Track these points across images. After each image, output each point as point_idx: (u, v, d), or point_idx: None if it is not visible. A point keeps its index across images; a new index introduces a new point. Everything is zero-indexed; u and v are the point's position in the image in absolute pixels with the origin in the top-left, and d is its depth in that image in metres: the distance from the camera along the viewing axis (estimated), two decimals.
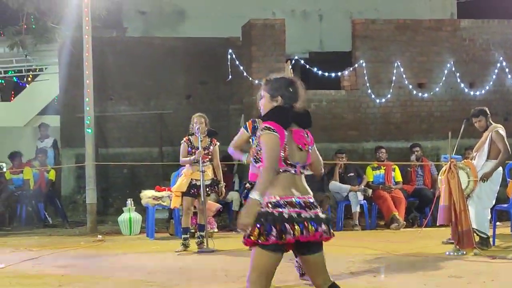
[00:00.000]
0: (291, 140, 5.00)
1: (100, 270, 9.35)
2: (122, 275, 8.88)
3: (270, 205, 4.82)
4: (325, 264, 5.03)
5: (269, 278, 4.89)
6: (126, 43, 16.84)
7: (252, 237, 4.77)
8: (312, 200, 4.96)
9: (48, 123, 16.80)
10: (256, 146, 5.04)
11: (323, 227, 4.86)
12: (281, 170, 4.92)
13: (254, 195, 4.80)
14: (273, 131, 4.90)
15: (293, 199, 4.87)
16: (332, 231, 4.97)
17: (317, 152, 5.30)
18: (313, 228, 4.81)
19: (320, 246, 4.96)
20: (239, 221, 4.82)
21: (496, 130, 10.67)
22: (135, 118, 16.49)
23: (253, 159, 5.12)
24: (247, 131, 8.72)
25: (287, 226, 4.74)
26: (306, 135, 5.13)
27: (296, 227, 4.75)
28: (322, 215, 4.92)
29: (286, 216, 4.77)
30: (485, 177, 10.47)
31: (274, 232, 4.72)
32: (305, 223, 4.78)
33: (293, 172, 4.97)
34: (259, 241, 4.75)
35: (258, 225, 4.77)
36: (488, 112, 10.88)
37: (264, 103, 5.19)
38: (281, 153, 4.91)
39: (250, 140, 8.60)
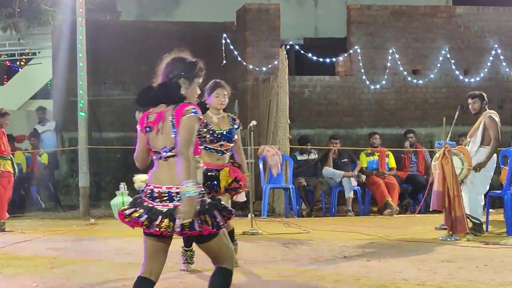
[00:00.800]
0: (154, 121, 4.78)
1: (92, 253, 9.31)
2: (114, 258, 8.84)
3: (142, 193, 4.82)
4: (212, 254, 4.88)
5: (148, 260, 4.93)
6: (120, 27, 16.76)
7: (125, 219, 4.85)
8: (172, 190, 4.65)
9: (44, 107, 16.68)
10: None
11: (158, 221, 4.61)
12: (152, 158, 4.83)
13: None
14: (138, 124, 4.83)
15: (149, 187, 4.74)
16: (182, 227, 4.56)
17: (182, 128, 4.66)
18: (147, 222, 4.66)
19: (201, 238, 4.73)
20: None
21: (489, 115, 10.65)
22: (129, 102, 16.36)
23: None
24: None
25: (144, 216, 4.68)
26: (169, 114, 4.72)
27: (144, 217, 4.66)
28: (164, 209, 4.64)
29: (140, 203, 4.76)
30: (479, 167, 10.45)
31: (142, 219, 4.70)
32: (145, 214, 4.66)
33: (158, 158, 4.77)
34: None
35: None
36: (485, 97, 10.85)
37: None
38: (146, 142, 4.82)
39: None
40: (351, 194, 13.84)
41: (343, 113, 16.12)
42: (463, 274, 7.55)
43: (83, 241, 10.42)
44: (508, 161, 11.37)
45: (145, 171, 14.00)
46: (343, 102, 16.12)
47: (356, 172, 14.03)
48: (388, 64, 16.08)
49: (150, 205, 4.67)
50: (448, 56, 16.29)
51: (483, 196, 10.72)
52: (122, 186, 13.50)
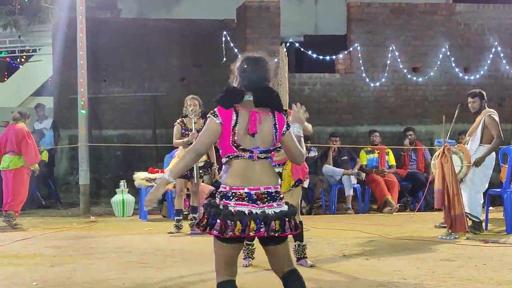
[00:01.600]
0: (246, 123, 4.67)
1: (92, 251, 9.34)
2: (114, 256, 8.87)
3: (218, 195, 4.65)
4: (285, 255, 4.80)
5: (231, 265, 4.76)
6: (120, 25, 16.74)
7: (200, 227, 4.62)
8: (271, 190, 4.65)
9: (44, 104, 16.66)
10: None
11: (272, 225, 4.54)
12: (231, 156, 4.67)
13: (165, 174, 4.73)
14: (214, 115, 4.68)
15: (243, 190, 4.59)
16: (293, 224, 4.63)
17: (294, 140, 4.86)
18: (255, 226, 4.51)
19: (280, 239, 4.69)
20: (145, 198, 4.77)
21: (489, 114, 10.66)
22: (129, 100, 16.42)
23: None
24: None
25: (229, 222, 4.50)
26: (268, 117, 4.73)
27: (238, 224, 4.49)
28: (276, 210, 4.61)
29: (231, 210, 4.53)
30: (478, 163, 10.46)
31: (217, 225, 4.52)
32: (248, 221, 4.50)
33: (248, 157, 4.66)
34: (206, 231, 4.59)
35: (206, 215, 4.61)
36: (485, 96, 10.86)
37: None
38: (230, 138, 4.64)
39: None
40: (351, 192, 13.86)
41: (343, 110, 16.13)
42: (462, 273, 7.57)
43: (84, 239, 10.44)
44: (508, 159, 11.38)
45: (144, 168, 13.98)
46: (343, 99, 16.13)
47: (356, 170, 14.06)
48: (388, 62, 16.08)
49: (255, 209, 4.56)
50: (448, 53, 16.29)
51: (482, 194, 10.73)
52: (122, 183, 13.55)
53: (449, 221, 9.97)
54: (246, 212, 4.53)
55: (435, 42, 16.35)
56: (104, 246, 9.71)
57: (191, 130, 10.72)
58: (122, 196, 13.40)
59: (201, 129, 10.67)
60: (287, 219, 4.63)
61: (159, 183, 4.73)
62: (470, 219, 10.37)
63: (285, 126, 4.77)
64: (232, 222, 4.49)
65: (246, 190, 4.59)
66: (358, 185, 14.03)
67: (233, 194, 4.58)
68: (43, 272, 7.81)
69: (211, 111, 4.72)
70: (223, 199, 4.60)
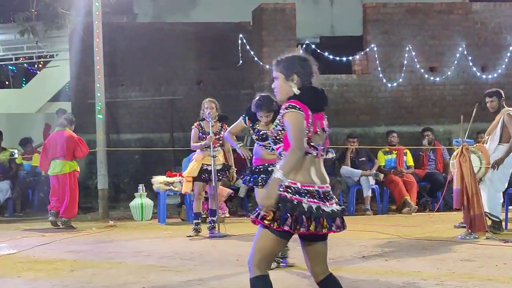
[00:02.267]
0: (313, 121, 4.71)
1: (112, 255, 9.36)
2: (134, 260, 8.89)
3: (289, 191, 4.56)
4: (326, 254, 4.86)
5: (271, 261, 4.85)
6: (137, 29, 16.81)
7: (266, 221, 4.55)
8: (329, 189, 4.74)
9: (65, 109, 16.69)
10: (276, 126, 4.78)
11: (337, 222, 4.65)
12: (308, 152, 4.70)
13: (278, 174, 4.58)
14: (298, 109, 4.63)
15: (314, 188, 4.62)
16: (345, 223, 4.75)
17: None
18: (328, 225, 4.58)
19: (325, 236, 4.75)
20: (262, 203, 4.60)
21: (508, 113, 10.60)
22: (146, 104, 16.48)
23: (271, 140, 4.85)
24: (245, 123, 8.72)
25: (303, 218, 4.51)
26: (324, 117, 4.89)
27: (312, 221, 4.53)
28: (338, 208, 4.71)
29: (305, 206, 4.53)
30: (496, 164, 10.41)
31: (289, 221, 4.50)
32: (321, 219, 4.56)
33: (315, 154, 4.72)
34: (272, 225, 4.54)
35: (274, 210, 4.55)
36: (502, 94, 10.81)
37: (280, 85, 4.87)
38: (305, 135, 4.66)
39: (250, 130, 8.64)
40: (369, 193, 13.83)
41: (360, 111, 16.09)
42: (482, 273, 7.53)
43: (103, 243, 10.47)
44: None
45: (162, 172, 13.98)
46: (360, 100, 16.10)
47: (374, 171, 14.02)
48: (405, 62, 16.03)
49: (325, 207, 4.62)
50: (465, 53, 16.22)
51: (502, 194, 10.68)
52: (141, 187, 13.57)
53: (469, 221, 9.93)
54: (320, 209, 4.57)
55: (452, 42, 16.28)
56: (123, 250, 9.73)
57: (208, 133, 10.72)
58: (140, 200, 13.44)
59: (218, 132, 10.70)
60: (343, 216, 4.77)
61: (271, 183, 4.60)
62: (489, 218, 10.32)
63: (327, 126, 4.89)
64: (307, 219, 4.51)
65: (316, 188, 4.64)
66: (377, 186, 14.00)
67: (306, 191, 4.59)
68: (63, 277, 7.84)
69: (289, 105, 4.67)
70: (296, 195, 4.57)
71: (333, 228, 4.60)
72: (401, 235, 10.51)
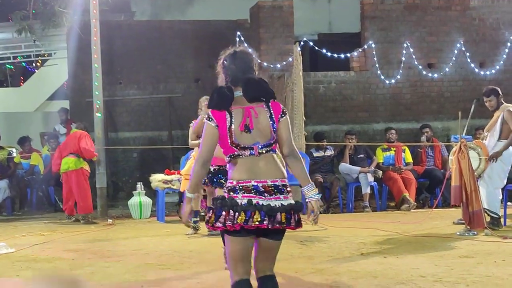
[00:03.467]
0: (241, 120, 4.66)
1: (110, 253, 9.35)
2: (133, 259, 8.88)
3: (226, 190, 4.65)
4: (273, 253, 4.78)
5: (243, 263, 4.70)
6: (134, 27, 16.79)
7: (209, 222, 4.64)
8: (278, 183, 4.64)
9: (67, 108, 16.64)
10: None
11: (278, 217, 4.54)
12: (232, 155, 4.68)
13: (186, 192, 4.76)
14: (209, 120, 4.66)
15: (250, 183, 4.59)
16: (296, 219, 4.64)
17: (288, 128, 4.78)
18: (260, 218, 4.49)
19: (278, 235, 4.71)
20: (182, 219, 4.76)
21: (508, 109, 10.59)
22: (144, 102, 16.46)
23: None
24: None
25: (232, 212, 4.51)
26: (263, 110, 4.72)
27: (242, 214, 4.50)
28: (279, 202, 4.59)
29: (238, 202, 4.54)
30: (494, 157, 10.40)
31: (222, 217, 4.54)
32: (252, 212, 4.50)
33: (248, 154, 4.65)
34: (210, 226, 4.63)
35: (213, 209, 4.64)
36: (499, 91, 10.80)
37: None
38: (227, 139, 4.64)
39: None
40: (368, 190, 13.81)
41: (358, 108, 16.09)
42: (480, 269, 7.53)
43: (101, 242, 10.46)
44: None
45: (161, 170, 13.97)
46: (358, 97, 16.09)
47: (372, 168, 14.01)
48: (403, 59, 16.03)
49: (262, 201, 4.54)
50: (463, 49, 16.22)
51: (500, 190, 10.68)
52: (139, 185, 13.56)
53: (467, 217, 9.93)
54: (253, 202, 4.52)
55: (450, 38, 16.28)
56: (122, 249, 9.72)
57: None
58: (139, 199, 13.42)
59: None
60: (293, 212, 4.63)
61: (185, 202, 4.83)
62: (488, 215, 10.32)
63: (281, 113, 4.75)
64: (236, 213, 4.50)
65: (253, 183, 4.59)
66: (375, 183, 13.99)
67: (241, 187, 4.59)
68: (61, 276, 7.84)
69: (206, 115, 4.70)
70: (231, 193, 4.60)
71: (265, 223, 4.50)
72: (400, 231, 10.51)
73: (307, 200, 4.77)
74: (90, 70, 14.17)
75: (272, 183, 4.62)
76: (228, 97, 4.69)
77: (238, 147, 4.65)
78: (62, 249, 9.74)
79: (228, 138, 4.64)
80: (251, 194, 4.56)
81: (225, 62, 4.88)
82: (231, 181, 4.64)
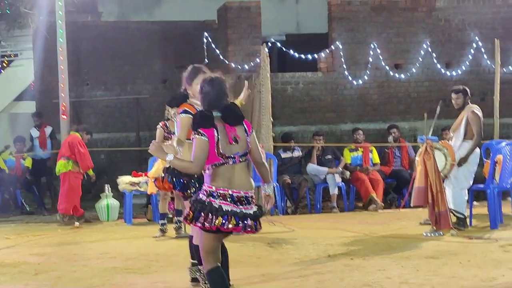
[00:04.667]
0: (225, 135, 5.51)
1: (77, 257, 9.30)
2: (99, 262, 8.84)
3: (205, 193, 5.47)
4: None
5: (214, 254, 5.60)
6: (101, 28, 16.71)
7: (187, 219, 5.51)
8: (248, 195, 5.54)
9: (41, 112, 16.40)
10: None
11: (248, 221, 5.47)
12: (217, 163, 5.47)
13: (170, 157, 5.53)
14: (200, 135, 5.44)
15: (227, 192, 5.46)
16: (259, 225, 5.60)
17: (256, 141, 5.76)
18: (235, 222, 5.42)
19: (230, 233, 5.62)
20: (151, 151, 5.65)
21: (472, 110, 10.69)
22: (112, 103, 16.38)
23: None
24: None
25: (210, 216, 5.39)
26: (240, 126, 5.61)
27: (219, 218, 5.38)
28: (249, 211, 5.51)
29: (216, 206, 5.41)
30: (461, 162, 10.49)
31: (201, 218, 5.41)
32: (229, 216, 5.40)
33: (232, 163, 5.50)
34: (189, 223, 5.54)
35: (192, 209, 5.48)
36: (468, 92, 10.89)
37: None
38: (215, 150, 5.44)
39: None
40: (336, 191, 13.83)
41: (326, 109, 16.12)
42: (446, 270, 7.60)
43: (68, 246, 10.39)
44: (491, 154, 11.43)
45: (129, 172, 13.89)
46: (326, 98, 16.13)
47: (340, 169, 14.05)
48: (370, 59, 16.09)
49: (236, 209, 5.46)
50: (430, 49, 16.32)
51: (467, 191, 10.76)
52: (107, 188, 13.49)
53: (434, 218, 10.00)
54: (229, 209, 5.42)
55: (416, 39, 16.38)
56: (89, 252, 9.67)
57: (173, 133, 10.63)
58: (106, 201, 13.35)
59: None
60: (257, 219, 5.59)
61: (165, 150, 5.67)
62: (454, 215, 10.40)
63: (251, 129, 5.71)
64: (214, 216, 5.38)
65: (230, 192, 5.46)
66: (343, 183, 14.02)
67: (219, 194, 5.45)
68: (27, 281, 7.78)
69: (195, 131, 5.46)
70: (209, 197, 5.44)
71: (240, 225, 5.45)
72: (367, 233, 10.56)
73: (263, 192, 5.82)
74: (56, 71, 14.09)
75: (244, 195, 5.52)
76: (211, 117, 5.52)
77: (224, 157, 5.46)
78: (28, 253, 9.67)
79: (215, 149, 5.44)
80: (227, 202, 5.44)
81: (203, 88, 5.68)
82: (211, 186, 5.47)
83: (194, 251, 6.76)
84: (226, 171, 5.49)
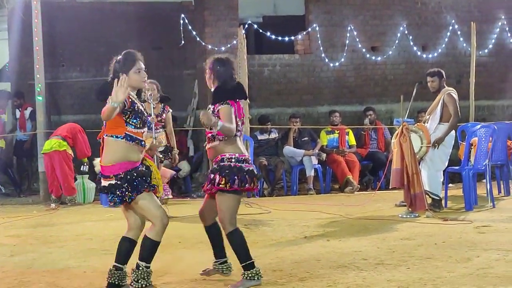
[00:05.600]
0: (236, 111, 6.34)
1: (53, 239, 9.26)
2: (75, 244, 8.82)
3: (232, 160, 6.26)
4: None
5: (236, 216, 6.40)
6: (77, 8, 16.54)
7: (221, 185, 6.17)
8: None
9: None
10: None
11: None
12: (236, 134, 6.32)
13: (219, 123, 6.14)
14: (229, 104, 6.28)
15: (246, 156, 6.37)
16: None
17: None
18: (256, 182, 6.39)
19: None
20: (206, 122, 6.12)
21: (448, 92, 10.75)
22: (88, 85, 16.28)
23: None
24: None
25: (246, 177, 6.24)
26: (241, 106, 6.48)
27: (254, 179, 6.32)
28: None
29: (245, 169, 6.26)
30: (437, 143, 10.56)
31: (236, 181, 6.18)
32: (253, 178, 6.32)
33: (239, 135, 6.40)
34: (226, 187, 6.17)
35: (223, 175, 6.18)
36: (443, 74, 10.95)
37: (208, 80, 6.52)
38: (237, 121, 6.32)
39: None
40: (312, 173, 13.89)
41: (303, 91, 16.14)
42: (421, 251, 7.65)
43: (44, 227, 10.32)
44: (466, 136, 11.51)
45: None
46: (302, 80, 16.14)
47: (316, 151, 14.09)
48: (347, 42, 16.12)
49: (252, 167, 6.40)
50: (406, 32, 16.38)
51: (442, 172, 10.83)
52: (83, 169, 13.39)
53: (409, 200, 10.06)
54: (252, 171, 6.33)
55: (393, 21, 16.42)
56: (65, 234, 9.63)
57: (150, 115, 10.59)
58: (83, 183, 13.29)
59: (160, 113, 10.61)
60: None
61: (215, 118, 6.23)
62: (430, 197, 10.47)
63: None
64: (248, 178, 6.25)
65: (247, 156, 6.40)
66: (319, 165, 14.07)
67: (242, 159, 6.31)
68: (2, 263, 7.74)
69: (224, 101, 6.26)
70: (237, 163, 6.26)
71: (257, 184, 6.52)
72: (343, 214, 10.60)
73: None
74: (32, 52, 13.94)
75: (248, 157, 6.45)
76: (236, 93, 6.40)
77: (237, 129, 6.32)
78: (3, 235, 9.61)
79: (236, 121, 6.31)
80: (248, 164, 6.34)
81: (218, 68, 6.38)
82: (233, 153, 6.29)
83: (148, 249, 6.23)
84: (239, 141, 6.36)
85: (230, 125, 6.18)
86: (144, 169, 6.12)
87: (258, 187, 5.97)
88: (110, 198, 6.05)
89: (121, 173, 5.94)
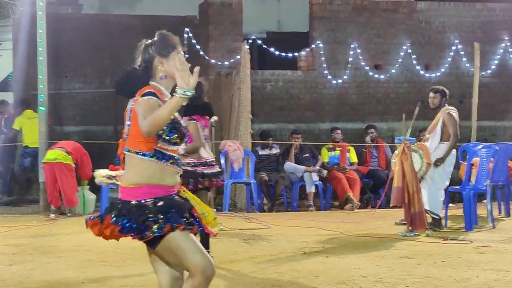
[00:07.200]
0: None
1: (51, 249, 9.25)
2: (74, 255, 8.80)
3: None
4: None
5: None
6: (82, 20, 16.65)
7: None
8: None
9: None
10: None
11: None
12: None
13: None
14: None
15: None
16: None
17: None
18: None
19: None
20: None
21: (448, 112, 10.75)
22: (90, 96, 16.33)
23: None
24: None
25: None
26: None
27: None
28: None
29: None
30: (438, 163, 10.55)
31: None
32: None
33: None
34: None
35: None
36: (447, 93, 10.95)
37: None
38: None
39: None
40: (313, 189, 13.89)
41: (305, 107, 16.16)
42: (421, 270, 7.63)
43: (43, 237, 10.32)
44: (467, 156, 11.50)
45: (105, 166, 13.89)
46: (305, 96, 16.17)
47: (317, 167, 14.08)
48: (350, 59, 16.16)
49: None
50: (409, 51, 16.42)
51: (443, 192, 10.81)
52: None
53: (409, 218, 10.05)
54: None
55: (396, 40, 16.46)
56: (64, 245, 9.62)
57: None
58: (83, 194, 13.30)
59: None
60: None
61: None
62: (430, 216, 10.46)
63: None
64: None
65: None
66: (320, 182, 14.06)
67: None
68: (1, 272, 7.73)
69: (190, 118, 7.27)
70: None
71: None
72: (343, 231, 10.58)
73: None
74: (35, 62, 13.98)
75: None
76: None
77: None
78: (2, 244, 9.60)
79: None
80: None
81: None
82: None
83: None
84: None
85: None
86: (181, 200, 4.42)
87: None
88: (126, 224, 4.25)
89: (149, 199, 4.27)
